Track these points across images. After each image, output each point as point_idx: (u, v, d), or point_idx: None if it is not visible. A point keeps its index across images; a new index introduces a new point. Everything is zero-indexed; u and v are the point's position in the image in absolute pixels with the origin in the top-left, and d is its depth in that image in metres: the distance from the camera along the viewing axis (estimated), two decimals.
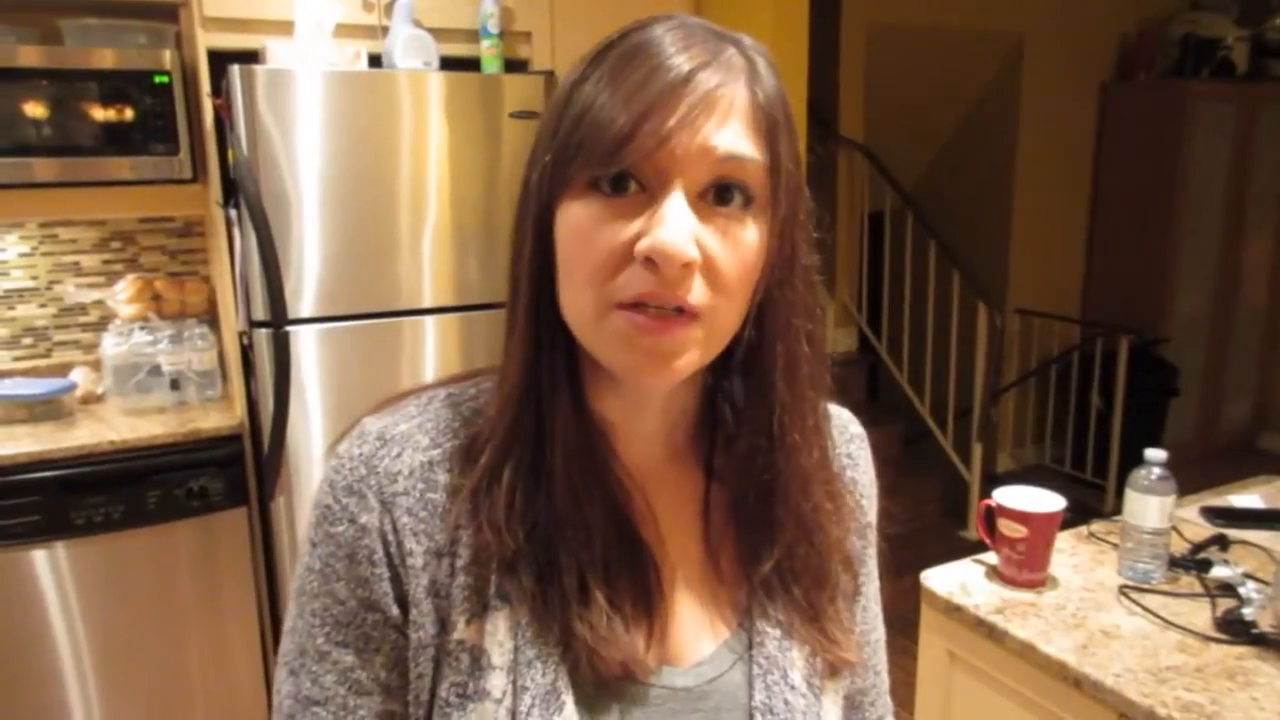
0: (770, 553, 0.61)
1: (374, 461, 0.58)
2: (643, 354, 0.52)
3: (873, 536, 0.73)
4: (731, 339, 0.56)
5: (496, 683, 0.55)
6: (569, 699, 0.55)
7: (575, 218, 0.52)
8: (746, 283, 0.54)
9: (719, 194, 0.52)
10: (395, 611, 0.57)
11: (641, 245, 0.50)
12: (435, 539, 0.57)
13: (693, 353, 0.53)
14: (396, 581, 0.57)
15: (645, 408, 0.60)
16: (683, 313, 0.51)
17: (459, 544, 0.57)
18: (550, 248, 0.54)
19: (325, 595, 0.58)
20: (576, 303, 0.53)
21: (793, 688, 0.61)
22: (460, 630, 0.56)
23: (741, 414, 0.61)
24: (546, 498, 0.57)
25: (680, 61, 0.51)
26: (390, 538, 0.56)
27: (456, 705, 0.55)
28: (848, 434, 0.72)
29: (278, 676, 0.60)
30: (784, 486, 0.61)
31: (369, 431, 0.59)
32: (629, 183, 0.51)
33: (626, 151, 0.50)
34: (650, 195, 0.51)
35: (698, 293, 0.51)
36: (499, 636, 0.56)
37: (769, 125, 0.53)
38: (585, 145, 0.51)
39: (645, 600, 0.58)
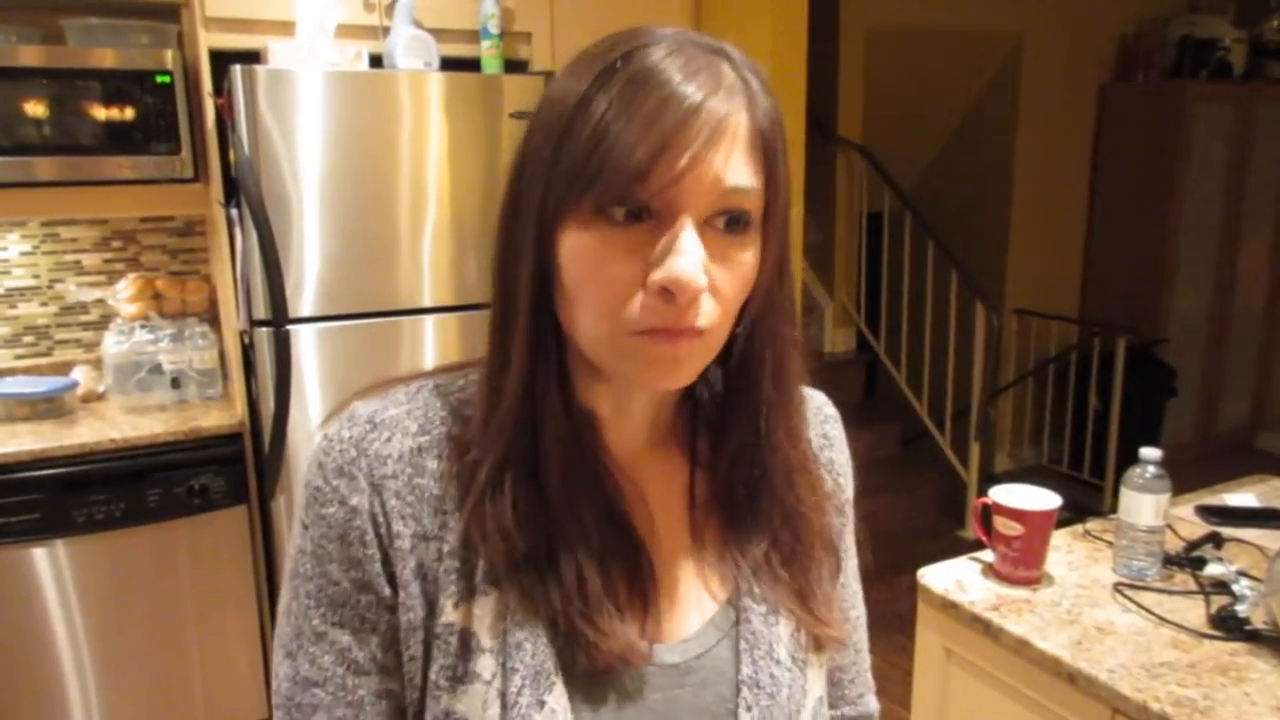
0: (758, 541, 0.65)
1: (364, 444, 0.59)
2: (656, 368, 0.55)
3: (851, 513, 0.76)
4: None
5: (486, 664, 0.56)
6: (559, 679, 0.56)
7: (583, 246, 0.53)
8: (742, 298, 0.57)
9: (721, 222, 0.54)
10: (388, 592, 0.58)
11: (657, 276, 0.52)
12: (423, 523, 0.58)
13: (696, 361, 0.57)
14: (387, 563, 0.58)
15: (633, 401, 0.62)
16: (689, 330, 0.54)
17: (446, 529, 0.58)
18: (549, 265, 0.56)
19: (319, 577, 0.59)
20: (588, 327, 0.55)
21: (778, 662, 0.63)
22: (448, 613, 0.57)
23: (731, 414, 0.64)
24: (542, 493, 0.58)
25: (690, 91, 0.51)
26: (380, 519, 0.58)
27: (447, 688, 0.57)
28: (822, 415, 0.75)
29: (275, 660, 0.61)
30: (770, 480, 0.64)
31: (359, 415, 0.60)
32: (642, 214, 0.52)
33: (643, 186, 0.51)
34: (657, 223, 0.53)
35: (704, 314, 0.54)
36: (487, 620, 0.57)
37: (768, 150, 0.55)
38: (602, 176, 0.51)
39: (639, 586, 0.60)
